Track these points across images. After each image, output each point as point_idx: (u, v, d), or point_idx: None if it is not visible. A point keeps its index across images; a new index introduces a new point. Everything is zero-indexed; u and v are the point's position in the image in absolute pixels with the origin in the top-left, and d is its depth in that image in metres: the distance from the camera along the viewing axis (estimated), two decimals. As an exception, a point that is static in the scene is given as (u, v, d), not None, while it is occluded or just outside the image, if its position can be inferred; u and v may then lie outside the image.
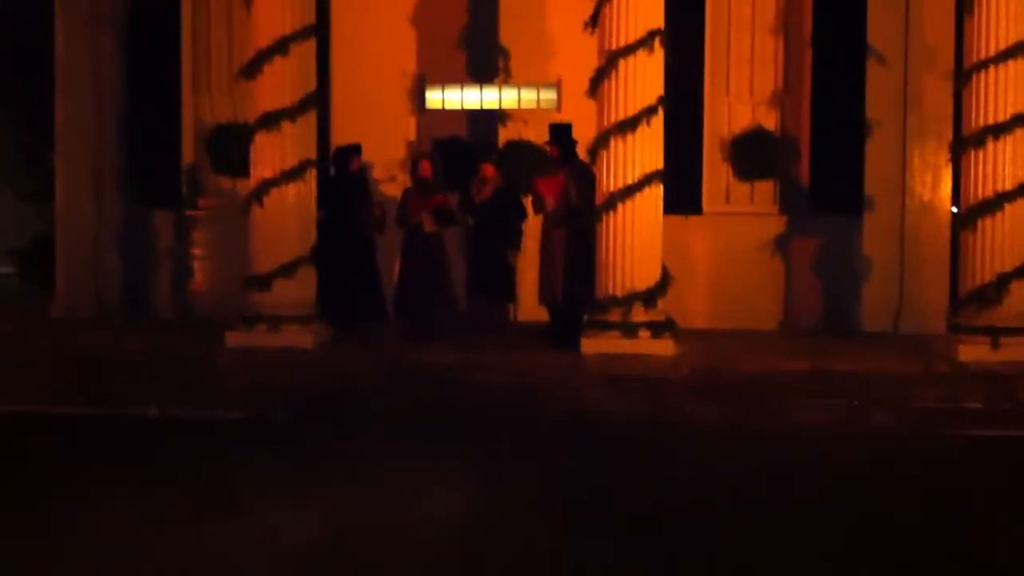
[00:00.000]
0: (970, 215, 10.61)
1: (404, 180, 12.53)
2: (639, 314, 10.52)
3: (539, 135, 11.65)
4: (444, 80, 13.39)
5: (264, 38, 10.93)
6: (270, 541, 5.47)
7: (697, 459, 7.34)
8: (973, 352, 10.25)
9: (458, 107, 13.43)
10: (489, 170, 11.30)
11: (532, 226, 11.47)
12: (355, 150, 11.72)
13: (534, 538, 5.60)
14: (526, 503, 6.17)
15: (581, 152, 11.05)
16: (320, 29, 11.58)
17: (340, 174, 11.76)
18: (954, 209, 12.21)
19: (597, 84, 10.72)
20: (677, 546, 5.47)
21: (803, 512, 6.05)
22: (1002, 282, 10.38)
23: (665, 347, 10.44)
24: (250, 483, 6.56)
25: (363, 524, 5.83)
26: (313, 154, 11.30)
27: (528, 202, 11.27)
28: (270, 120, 10.91)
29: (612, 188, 10.58)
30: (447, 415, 8.83)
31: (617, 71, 10.55)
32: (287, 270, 10.92)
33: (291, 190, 10.99)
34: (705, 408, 9.00)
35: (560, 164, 11.06)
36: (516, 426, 8.38)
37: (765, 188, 13.08)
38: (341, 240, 11.43)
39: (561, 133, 11.11)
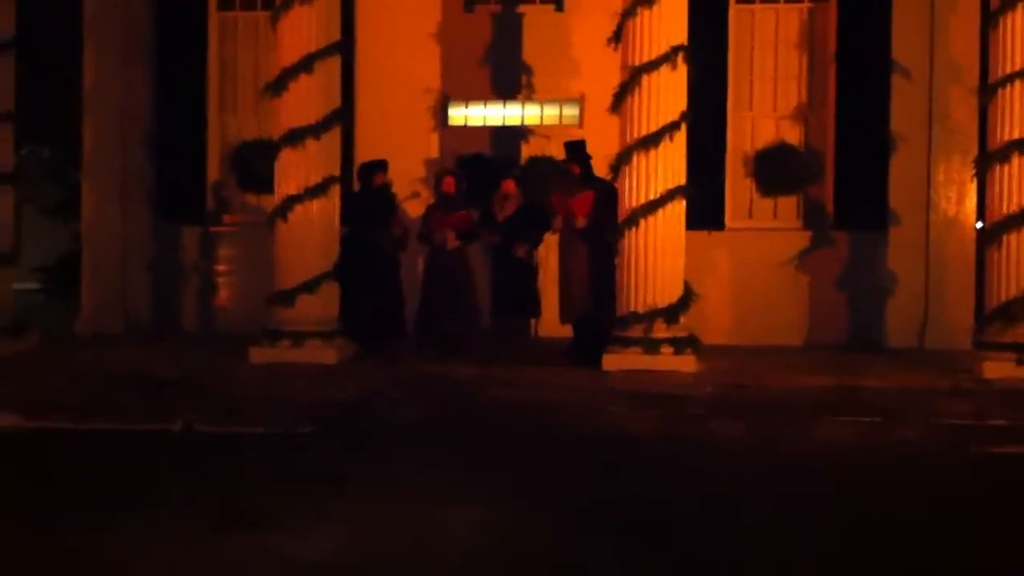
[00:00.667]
0: (995, 231, 10.54)
1: (427, 196, 12.58)
2: (661, 330, 10.49)
3: (562, 151, 11.67)
4: (467, 96, 13.44)
5: (289, 56, 11.00)
6: (288, 555, 5.49)
7: (719, 480, 7.31)
8: (998, 369, 10.17)
9: (481, 123, 13.47)
10: (511, 186, 11.31)
11: (549, 243, 11.48)
12: (379, 166, 11.77)
13: (549, 562, 5.59)
14: (544, 524, 6.16)
15: (603, 168, 11.04)
16: (345, 46, 11.64)
17: (364, 190, 11.84)
18: (979, 225, 12.14)
19: (620, 100, 10.72)
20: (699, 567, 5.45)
21: (826, 532, 6.02)
22: (1027, 299, 10.31)
23: (687, 363, 10.41)
24: (267, 498, 6.59)
25: (382, 541, 5.83)
26: (337, 171, 11.35)
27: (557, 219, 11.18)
28: (295, 137, 10.97)
29: (635, 204, 10.57)
30: (469, 433, 8.84)
31: (640, 87, 10.55)
32: (310, 286, 10.96)
33: (315, 206, 11.04)
34: (728, 426, 8.97)
35: (583, 181, 11.05)
36: (536, 445, 8.38)
37: (788, 203, 13.05)
38: (364, 256, 11.50)
39: (579, 150, 11.12)
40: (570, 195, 11.04)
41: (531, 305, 11.33)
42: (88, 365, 10.90)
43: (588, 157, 11.07)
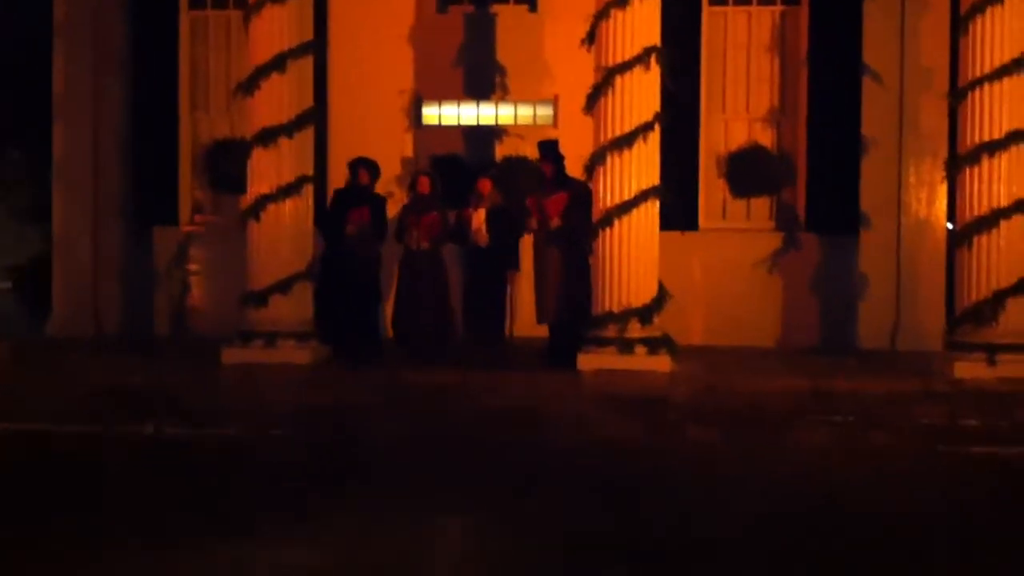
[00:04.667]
0: (965, 232, 10.62)
1: (401, 196, 12.56)
2: (635, 330, 10.51)
3: (536, 152, 11.67)
4: (441, 96, 13.44)
5: (262, 55, 10.95)
6: (250, 563, 5.44)
7: (689, 484, 7.31)
8: (970, 369, 10.24)
9: (455, 123, 13.46)
10: (486, 186, 11.30)
11: (524, 244, 11.48)
12: (361, 163, 11.61)
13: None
14: (516, 536, 6.14)
15: (578, 168, 11.05)
16: (318, 46, 11.60)
17: (345, 187, 11.83)
18: (950, 226, 12.23)
19: (594, 101, 10.74)
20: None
21: (800, 537, 6.03)
22: (998, 299, 10.38)
23: (661, 364, 10.43)
24: (232, 503, 6.53)
25: (346, 552, 5.79)
26: (310, 170, 11.31)
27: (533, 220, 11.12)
28: (267, 136, 10.93)
29: (609, 205, 10.59)
30: (440, 435, 8.81)
31: (613, 88, 10.58)
32: (284, 286, 10.91)
33: (288, 206, 11.00)
34: (700, 428, 8.98)
35: (556, 182, 11.05)
36: (506, 449, 8.35)
37: (761, 205, 13.11)
38: (340, 255, 11.48)
39: (552, 150, 11.12)
40: (543, 196, 11.03)
41: (499, 311, 11.22)
42: (59, 369, 10.80)
43: (561, 157, 11.07)
